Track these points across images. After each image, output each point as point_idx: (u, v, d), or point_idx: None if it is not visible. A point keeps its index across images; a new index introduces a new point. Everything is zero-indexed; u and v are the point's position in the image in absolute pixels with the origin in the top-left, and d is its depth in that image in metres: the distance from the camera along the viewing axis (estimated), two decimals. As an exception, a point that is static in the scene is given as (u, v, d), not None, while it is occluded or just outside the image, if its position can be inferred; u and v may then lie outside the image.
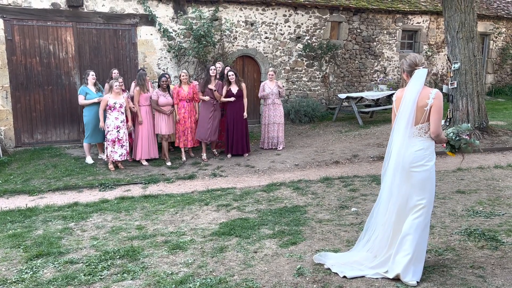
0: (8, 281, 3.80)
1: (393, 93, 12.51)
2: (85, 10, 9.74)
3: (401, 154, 3.55)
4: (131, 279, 3.76)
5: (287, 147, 9.39)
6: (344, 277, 3.62)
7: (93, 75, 8.23)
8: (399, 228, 3.61)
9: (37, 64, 9.50)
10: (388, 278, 3.58)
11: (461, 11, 9.04)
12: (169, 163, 8.25)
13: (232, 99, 8.49)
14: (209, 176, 7.56)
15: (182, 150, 8.57)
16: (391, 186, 3.69)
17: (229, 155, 8.76)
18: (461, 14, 9.05)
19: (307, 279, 3.64)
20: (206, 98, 8.45)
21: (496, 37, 15.83)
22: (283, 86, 9.36)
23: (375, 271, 3.67)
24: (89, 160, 8.38)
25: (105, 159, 7.89)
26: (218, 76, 8.74)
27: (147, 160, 8.31)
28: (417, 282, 3.48)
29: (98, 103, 7.97)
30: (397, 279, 3.54)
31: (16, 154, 8.98)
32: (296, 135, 10.70)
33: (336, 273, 3.69)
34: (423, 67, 3.52)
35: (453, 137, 3.70)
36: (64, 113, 9.85)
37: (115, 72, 8.66)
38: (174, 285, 3.58)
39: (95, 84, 8.33)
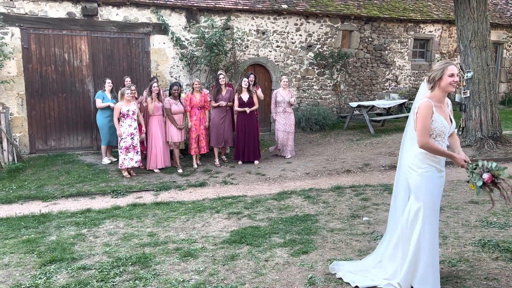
0: (22, 286, 3.85)
1: (405, 102, 12.51)
2: (100, 19, 9.90)
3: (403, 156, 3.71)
4: (143, 286, 3.78)
5: (298, 155, 9.38)
6: (356, 287, 3.61)
7: (109, 83, 8.87)
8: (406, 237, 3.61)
9: (52, 72, 9.67)
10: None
11: (474, 20, 8.99)
12: (180, 171, 8.30)
13: (247, 109, 8.58)
14: (220, 184, 7.58)
15: (194, 157, 8.62)
16: (404, 195, 3.73)
17: (239, 162, 8.80)
18: (474, 23, 9.00)
19: (319, 288, 3.62)
20: (223, 103, 8.55)
21: (509, 46, 15.68)
22: (294, 101, 9.30)
23: (387, 281, 3.64)
24: (105, 160, 8.88)
25: (119, 167, 7.97)
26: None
27: (159, 167, 8.36)
28: None
29: (111, 109, 8.44)
30: (410, 289, 3.51)
31: (31, 161, 9.11)
32: (307, 143, 10.69)
33: (348, 282, 3.68)
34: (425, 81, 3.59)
35: (471, 167, 3.34)
36: (77, 120, 9.99)
37: (127, 80, 8.83)
38: (185, 293, 3.59)
39: (111, 91, 8.82)
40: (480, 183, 3.25)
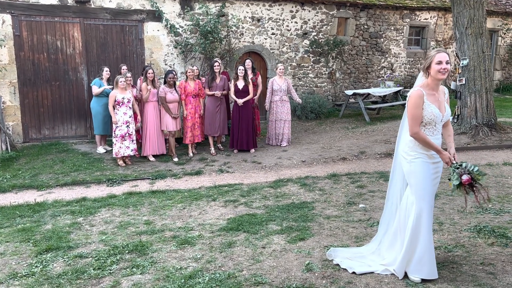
0: (19, 275, 3.83)
1: (400, 90, 12.50)
2: (92, 6, 9.75)
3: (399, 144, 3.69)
4: (140, 274, 3.77)
5: (293, 144, 9.37)
6: (353, 273, 3.62)
7: (107, 71, 8.75)
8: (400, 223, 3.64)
9: (44, 59, 9.54)
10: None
11: (470, 6, 8.95)
12: (176, 159, 8.27)
13: (239, 101, 8.51)
14: (216, 172, 7.56)
15: (189, 146, 8.58)
16: (400, 182, 3.74)
17: (235, 151, 8.77)
18: (470, 10, 8.97)
19: (316, 274, 3.63)
20: (218, 93, 8.49)
21: (504, 34, 15.69)
22: (291, 84, 9.32)
23: (384, 267, 3.66)
24: (100, 149, 8.81)
25: (114, 155, 7.91)
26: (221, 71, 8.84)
27: (154, 156, 8.33)
28: (422, 279, 3.45)
29: (107, 96, 8.29)
30: (406, 276, 3.53)
31: (24, 149, 9.03)
32: (302, 132, 10.68)
33: (345, 268, 3.69)
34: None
35: (454, 166, 3.38)
36: (71, 109, 9.89)
37: (124, 68, 8.74)
38: (183, 280, 3.59)
39: (108, 80, 8.74)
40: (456, 183, 3.34)
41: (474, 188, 3.37)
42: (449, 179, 3.43)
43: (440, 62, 3.32)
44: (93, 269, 3.87)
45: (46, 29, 9.45)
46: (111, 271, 3.84)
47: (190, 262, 3.97)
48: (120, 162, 7.89)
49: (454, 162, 3.40)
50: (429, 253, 3.46)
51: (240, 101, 8.50)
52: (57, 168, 7.79)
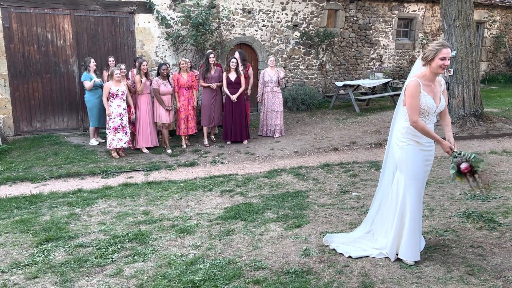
0: (21, 264, 3.88)
1: (389, 81, 12.65)
2: (83, -2, 9.68)
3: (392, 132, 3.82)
4: (142, 261, 3.86)
5: (285, 135, 9.48)
6: (350, 257, 3.76)
7: (94, 62, 8.72)
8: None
9: (35, 52, 9.46)
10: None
11: (458, -1, 9.12)
12: (169, 151, 8.32)
13: (233, 97, 8.57)
14: (210, 163, 7.64)
15: (183, 138, 8.64)
16: (393, 169, 3.87)
17: (228, 142, 8.85)
18: (458, 2, 9.13)
19: (314, 259, 3.76)
20: (214, 85, 8.55)
21: (490, 25, 15.95)
22: (284, 76, 9.39)
23: (378, 251, 3.80)
24: (93, 142, 8.82)
25: (108, 147, 7.93)
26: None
27: (147, 148, 8.36)
28: (415, 261, 3.61)
29: (101, 88, 8.28)
30: (400, 259, 3.68)
31: (16, 142, 8.98)
32: (294, 123, 10.79)
33: (341, 253, 3.83)
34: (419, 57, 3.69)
35: (454, 155, 3.48)
36: (62, 101, 9.84)
37: (111, 59, 8.72)
38: (185, 266, 3.69)
39: (95, 71, 8.69)
40: (453, 171, 3.44)
41: (476, 175, 3.44)
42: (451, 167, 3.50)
43: (444, 58, 3.43)
44: (95, 258, 3.94)
45: (36, 21, 9.36)
46: (113, 259, 3.92)
47: (190, 249, 4.07)
48: (114, 154, 7.91)
49: (454, 150, 3.49)
50: (413, 236, 3.59)
51: (234, 97, 8.57)
52: (51, 161, 7.79)
